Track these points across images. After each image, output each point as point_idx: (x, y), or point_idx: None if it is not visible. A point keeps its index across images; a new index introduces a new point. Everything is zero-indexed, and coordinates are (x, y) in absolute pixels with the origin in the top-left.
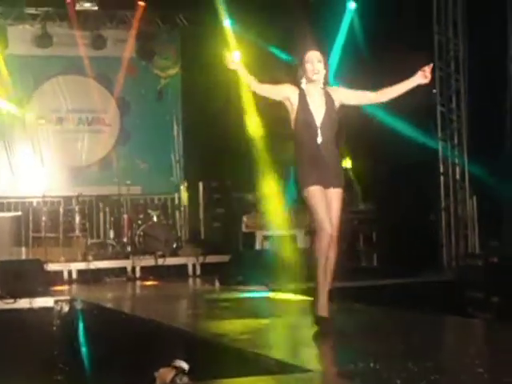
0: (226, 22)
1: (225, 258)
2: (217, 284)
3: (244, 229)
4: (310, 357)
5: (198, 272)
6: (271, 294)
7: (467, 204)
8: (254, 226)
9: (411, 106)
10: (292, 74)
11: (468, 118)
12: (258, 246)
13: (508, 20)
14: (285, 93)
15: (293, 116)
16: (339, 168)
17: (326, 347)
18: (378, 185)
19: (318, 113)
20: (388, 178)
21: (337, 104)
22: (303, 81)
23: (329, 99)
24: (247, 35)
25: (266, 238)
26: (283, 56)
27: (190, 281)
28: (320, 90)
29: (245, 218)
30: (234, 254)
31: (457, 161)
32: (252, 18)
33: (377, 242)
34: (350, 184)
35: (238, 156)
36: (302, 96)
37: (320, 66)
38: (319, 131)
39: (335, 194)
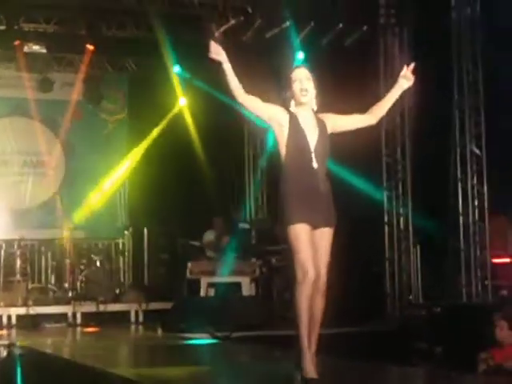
0: (175, 68)
1: (168, 305)
2: (159, 331)
3: (189, 275)
4: None
5: (141, 319)
6: (215, 342)
7: (411, 254)
8: (198, 272)
9: (358, 157)
10: (240, 121)
11: (412, 169)
12: (202, 293)
13: (453, 68)
14: (274, 112)
15: (282, 140)
16: (332, 204)
17: None
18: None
19: (312, 137)
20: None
21: (329, 130)
22: (292, 103)
23: (321, 123)
24: (196, 81)
25: (210, 284)
26: (232, 103)
27: (133, 328)
28: (311, 112)
29: (189, 264)
30: (177, 300)
31: (401, 211)
32: (200, 65)
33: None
34: None
35: (184, 202)
36: (294, 118)
37: (309, 85)
38: (314, 156)
39: (326, 235)
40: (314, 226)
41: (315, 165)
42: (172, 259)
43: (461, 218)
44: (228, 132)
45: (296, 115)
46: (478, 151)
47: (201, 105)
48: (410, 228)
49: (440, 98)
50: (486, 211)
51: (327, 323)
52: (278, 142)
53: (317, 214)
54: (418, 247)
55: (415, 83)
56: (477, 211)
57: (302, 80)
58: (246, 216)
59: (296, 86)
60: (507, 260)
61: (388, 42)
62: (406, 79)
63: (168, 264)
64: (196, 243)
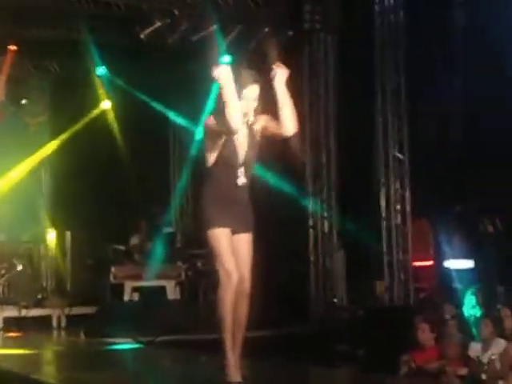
0: (99, 70)
1: (92, 310)
2: (82, 336)
3: (112, 280)
4: None
5: (64, 324)
6: (139, 347)
7: (335, 257)
8: (122, 276)
9: (283, 160)
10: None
11: (337, 173)
12: (126, 298)
13: (376, 74)
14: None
15: (213, 148)
16: (250, 210)
17: None
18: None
19: (242, 151)
20: (259, 230)
21: (259, 135)
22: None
23: (252, 134)
24: (121, 83)
25: (135, 289)
26: (156, 105)
27: (55, 333)
28: (245, 125)
29: (113, 269)
30: (101, 305)
31: (326, 214)
32: (125, 67)
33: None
34: None
35: (108, 206)
36: (227, 136)
37: (254, 104)
38: (240, 172)
39: (245, 239)
40: (233, 232)
41: (240, 182)
42: (96, 264)
43: (384, 222)
44: (153, 135)
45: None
46: (400, 156)
47: (126, 107)
48: (335, 231)
49: (364, 104)
50: (409, 215)
51: (251, 326)
52: (207, 147)
53: (235, 220)
54: (342, 250)
55: (340, 90)
56: (399, 215)
57: (249, 100)
58: (171, 219)
59: (242, 105)
60: (429, 263)
61: (313, 48)
62: (281, 73)
63: (91, 268)
64: (121, 247)
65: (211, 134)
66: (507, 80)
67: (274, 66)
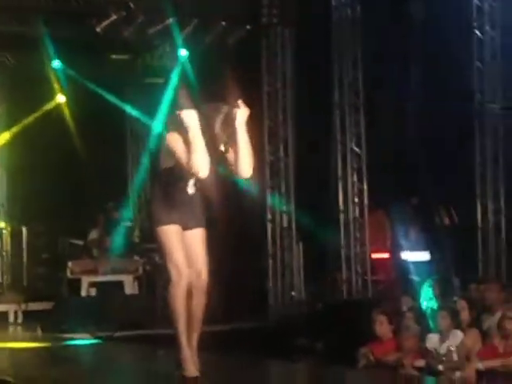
0: (54, 63)
1: (49, 305)
2: (39, 332)
3: (69, 274)
4: None
5: (20, 319)
6: (97, 342)
7: (294, 251)
8: (79, 271)
9: None
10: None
11: (295, 167)
12: (83, 293)
13: (334, 68)
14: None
15: (169, 158)
16: (201, 208)
17: None
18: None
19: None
20: (217, 225)
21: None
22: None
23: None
24: (77, 77)
25: (92, 284)
26: (113, 99)
27: (11, 328)
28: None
29: (70, 264)
30: (58, 300)
31: (284, 208)
32: (81, 60)
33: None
34: None
35: (65, 200)
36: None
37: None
38: (192, 182)
39: (198, 234)
40: (185, 228)
41: (190, 191)
42: (52, 258)
43: (341, 215)
44: (110, 128)
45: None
46: (357, 149)
47: (82, 100)
48: (293, 225)
49: (321, 97)
50: (366, 208)
51: (209, 320)
52: (163, 154)
53: (185, 217)
54: (301, 244)
55: (298, 83)
56: (357, 208)
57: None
58: (129, 214)
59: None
60: (386, 255)
61: (270, 41)
62: (239, 112)
63: (48, 263)
64: (78, 242)
65: (169, 150)
66: (464, 75)
67: (234, 106)
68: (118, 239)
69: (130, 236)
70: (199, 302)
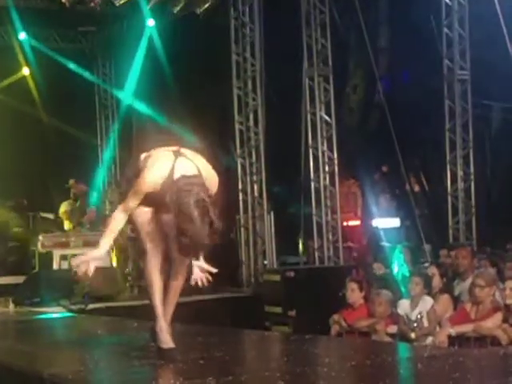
0: (20, 35)
1: (20, 279)
2: (11, 306)
3: (40, 248)
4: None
5: None
6: (70, 315)
7: (265, 220)
8: (51, 245)
9: (211, 124)
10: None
11: (265, 136)
12: (55, 266)
13: (303, 37)
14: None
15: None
16: None
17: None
18: None
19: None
20: None
21: None
22: None
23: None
24: (43, 49)
25: (63, 257)
26: (81, 71)
27: None
28: None
29: (41, 237)
30: (29, 274)
31: (255, 178)
32: (48, 32)
33: None
34: None
35: (34, 174)
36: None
37: None
38: None
39: None
40: None
41: None
42: (23, 232)
43: (312, 184)
44: (79, 101)
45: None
46: (327, 118)
47: (49, 73)
48: (264, 195)
49: (291, 66)
50: (337, 176)
51: (183, 291)
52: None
53: None
54: (272, 213)
55: (267, 52)
56: (328, 176)
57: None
58: (99, 186)
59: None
60: (357, 223)
61: (239, 10)
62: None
63: (19, 237)
64: (49, 215)
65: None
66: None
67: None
68: (88, 212)
69: (101, 208)
70: (179, 273)
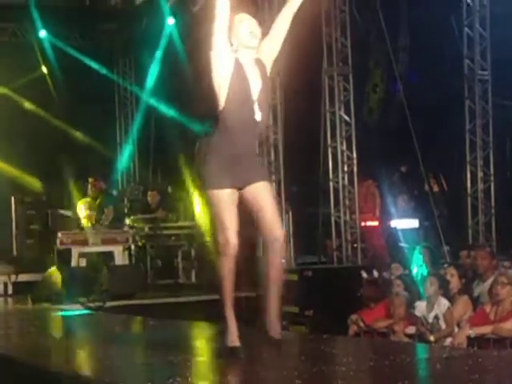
0: (41, 33)
1: (39, 277)
2: (30, 303)
3: (59, 245)
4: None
5: (10, 291)
6: (88, 313)
7: (283, 220)
8: (69, 242)
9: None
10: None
11: (284, 135)
12: (73, 263)
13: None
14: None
15: (220, 85)
16: (261, 163)
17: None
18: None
19: (255, 86)
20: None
21: (269, 69)
22: (234, 48)
23: (262, 68)
24: (62, 47)
25: (82, 254)
26: (101, 69)
27: (1, 300)
28: (254, 58)
29: (60, 234)
30: (48, 271)
31: (273, 177)
32: (68, 30)
33: (195, 257)
34: (171, 200)
35: (53, 171)
36: (238, 64)
37: (258, 30)
38: (256, 107)
39: (263, 189)
40: (244, 185)
41: (258, 117)
42: (42, 229)
43: (331, 183)
44: (99, 99)
45: (240, 61)
46: (347, 117)
47: (69, 70)
48: (283, 194)
49: (311, 64)
50: (356, 176)
51: (202, 289)
52: (213, 88)
53: (247, 171)
54: (290, 213)
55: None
56: (346, 176)
57: (251, 23)
58: (117, 185)
59: (244, 28)
60: (376, 223)
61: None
62: None
63: (37, 234)
64: (67, 213)
65: (219, 62)
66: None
67: None
68: (107, 209)
69: (119, 206)
70: (277, 264)
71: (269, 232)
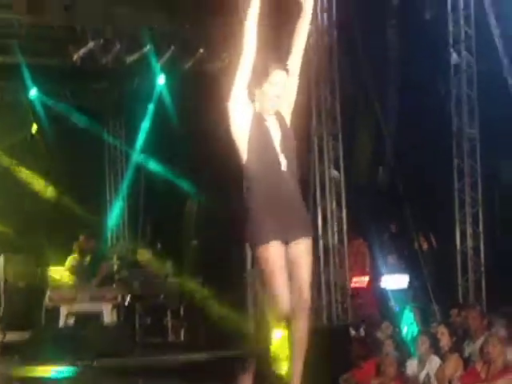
0: (31, 92)
1: (27, 335)
2: (17, 362)
3: (47, 303)
4: None
5: None
6: (76, 372)
7: None
8: (58, 300)
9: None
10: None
11: None
12: (62, 322)
13: (311, 95)
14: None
15: (239, 137)
16: (305, 209)
17: None
18: (187, 259)
19: (276, 135)
20: (198, 255)
21: (289, 117)
22: (256, 104)
23: (281, 119)
24: (53, 106)
25: (70, 313)
26: (91, 128)
27: None
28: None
29: (48, 292)
30: (36, 330)
31: None
32: (59, 89)
33: (184, 316)
34: (160, 258)
35: (42, 228)
36: (257, 114)
37: (281, 91)
38: (281, 155)
39: (304, 247)
40: (288, 240)
41: (283, 166)
42: (30, 287)
43: (321, 242)
44: (88, 157)
45: (258, 111)
46: (336, 176)
47: (59, 129)
48: None
49: (298, 124)
50: (345, 235)
51: (193, 348)
52: (236, 137)
53: (289, 225)
54: None
55: None
56: (336, 235)
57: (278, 84)
58: (107, 241)
59: (269, 91)
60: (366, 282)
61: None
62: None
63: (26, 292)
64: (57, 270)
65: (237, 114)
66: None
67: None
68: (96, 267)
69: (109, 264)
70: (301, 327)
71: (298, 298)
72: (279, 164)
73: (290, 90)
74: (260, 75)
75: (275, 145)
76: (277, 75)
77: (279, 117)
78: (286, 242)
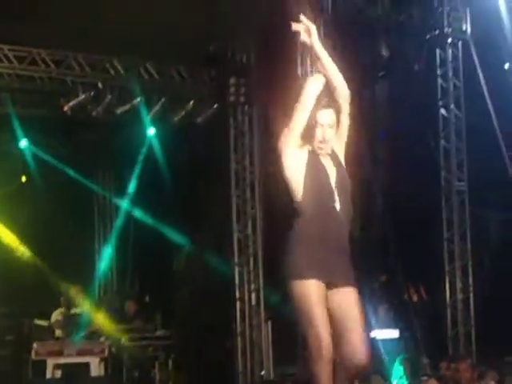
0: (21, 143)
1: None
2: None
3: (34, 356)
4: None
5: None
6: None
7: (262, 329)
8: (45, 353)
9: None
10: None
11: (264, 244)
12: (48, 375)
13: None
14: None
15: (293, 178)
16: (349, 259)
17: None
18: (176, 311)
19: (331, 174)
20: (186, 305)
21: (343, 154)
22: (308, 147)
23: (335, 157)
24: (43, 157)
25: (57, 366)
26: (81, 179)
27: None
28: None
29: (35, 345)
30: (22, 383)
31: (252, 286)
32: (49, 140)
33: (172, 369)
34: (148, 310)
35: (28, 281)
36: (311, 154)
37: (331, 133)
38: (335, 194)
39: (350, 297)
40: (330, 284)
41: (338, 205)
42: (16, 340)
43: None
44: (77, 208)
45: (315, 151)
46: None
47: (49, 180)
48: (262, 303)
49: None
50: None
51: None
52: (290, 176)
53: (334, 267)
54: (270, 322)
55: (265, 162)
56: None
57: (324, 127)
58: (94, 294)
59: (317, 134)
60: None
61: (238, 120)
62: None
63: (12, 345)
64: (43, 323)
65: (290, 156)
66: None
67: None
68: (83, 320)
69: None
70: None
71: (351, 356)
72: (334, 202)
73: (341, 129)
74: (310, 119)
75: (331, 183)
76: (323, 115)
77: (334, 156)
78: (327, 285)
